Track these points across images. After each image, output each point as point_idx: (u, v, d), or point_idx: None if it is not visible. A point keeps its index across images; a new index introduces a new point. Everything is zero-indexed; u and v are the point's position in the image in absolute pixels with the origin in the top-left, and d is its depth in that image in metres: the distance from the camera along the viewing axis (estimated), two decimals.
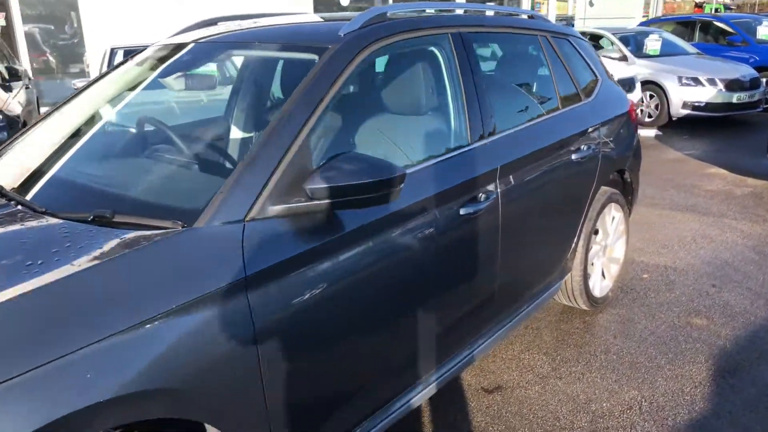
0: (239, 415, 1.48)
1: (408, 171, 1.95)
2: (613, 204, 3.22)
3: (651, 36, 9.70)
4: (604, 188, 3.14)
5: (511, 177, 2.34)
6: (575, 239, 2.95)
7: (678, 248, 4.15)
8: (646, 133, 8.38)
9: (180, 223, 1.49)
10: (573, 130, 2.78)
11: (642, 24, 12.67)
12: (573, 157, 2.75)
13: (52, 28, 10.67)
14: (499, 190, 2.27)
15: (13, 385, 1.11)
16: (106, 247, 1.40)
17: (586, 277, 3.08)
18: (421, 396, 2.09)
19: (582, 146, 2.83)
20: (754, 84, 8.54)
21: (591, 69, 3.21)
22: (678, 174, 6.14)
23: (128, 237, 1.44)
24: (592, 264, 3.20)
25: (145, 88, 2.30)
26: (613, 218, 3.29)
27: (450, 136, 2.23)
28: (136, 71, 2.39)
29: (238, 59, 2.46)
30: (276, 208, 1.58)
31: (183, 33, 2.60)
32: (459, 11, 2.61)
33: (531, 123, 2.57)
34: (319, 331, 1.64)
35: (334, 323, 1.68)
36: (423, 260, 1.96)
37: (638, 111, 8.47)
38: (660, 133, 8.38)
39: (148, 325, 1.29)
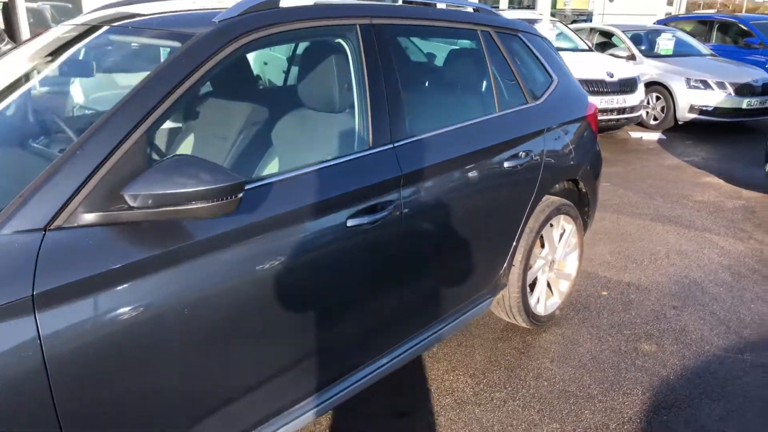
0: None
1: (279, 177, 1.75)
2: (562, 216, 2.97)
3: (663, 35, 9.29)
4: (551, 198, 2.89)
5: (420, 186, 2.12)
6: (510, 253, 2.71)
7: (648, 264, 3.87)
8: (649, 136, 8.03)
9: None
10: (508, 135, 2.53)
11: (660, 22, 12.22)
12: (506, 164, 2.50)
13: (57, 4, 10.64)
14: (402, 200, 2.05)
15: None
16: None
17: (525, 293, 2.84)
18: (294, 425, 1.89)
19: (520, 152, 2.58)
20: (766, 89, 8.11)
21: (544, 68, 2.95)
22: (671, 182, 5.82)
23: None
24: (536, 279, 2.97)
25: (26, 74, 2.12)
26: (562, 231, 3.04)
27: (345, 138, 2.02)
28: (28, 55, 2.22)
29: (123, 47, 2.26)
30: (89, 216, 1.39)
31: (90, 13, 2.42)
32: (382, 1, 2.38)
33: (454, 127, 2.33)
34: (134, 360, 1.44)
35: (154, 350, 1.47)
36: (289, 277, 1.75)
37: (643, 113, 8.11)
38: (664, 137, 8.02)
39: None
